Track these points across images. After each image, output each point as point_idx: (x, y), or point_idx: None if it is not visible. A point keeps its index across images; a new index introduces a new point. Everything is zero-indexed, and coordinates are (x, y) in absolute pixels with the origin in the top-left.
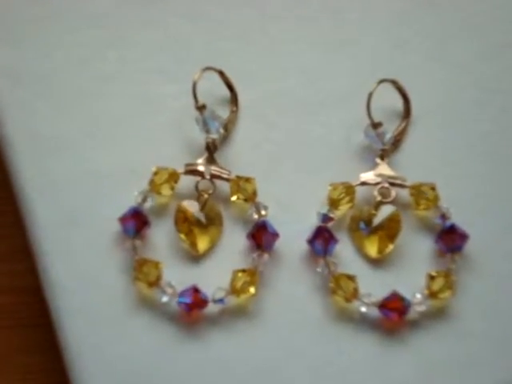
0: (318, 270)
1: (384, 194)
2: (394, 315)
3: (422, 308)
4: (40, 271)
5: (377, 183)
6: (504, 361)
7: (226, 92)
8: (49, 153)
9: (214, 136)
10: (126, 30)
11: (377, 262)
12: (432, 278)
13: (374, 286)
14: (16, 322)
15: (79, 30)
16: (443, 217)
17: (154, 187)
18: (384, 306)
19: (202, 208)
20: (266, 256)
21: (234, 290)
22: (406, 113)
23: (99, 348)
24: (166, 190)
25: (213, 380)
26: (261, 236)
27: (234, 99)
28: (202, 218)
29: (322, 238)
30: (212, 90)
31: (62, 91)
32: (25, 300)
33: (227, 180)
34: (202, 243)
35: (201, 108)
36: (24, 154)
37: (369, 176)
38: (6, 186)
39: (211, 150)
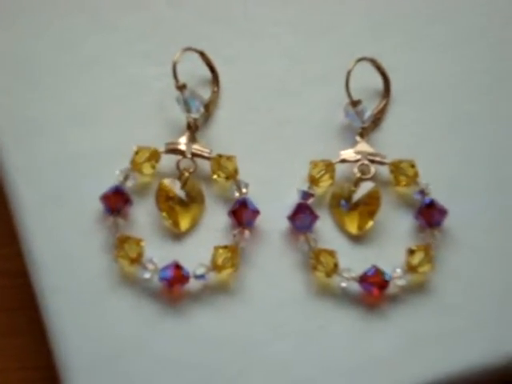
0: (299, 246)
1: (363, 170)
2: (374, 289)
3: (402, 282)
4: (25, 252)
5: (356, 160)
6: (483, 334)
7: (208, 73)
8: (32, 135)
9: (195, 115)
10: (108, 14)
11: (357, 239)
12: (412, 252)
13: (354, 263)
14: (4, 304)
15: (62, 14)
16: (422, 193)
17: (135, 166)
18: (364, 280)
19: (183, 186)
20: (246, 233)
21: (216, 266)
22: (386, 91)
23: (82, 326)
24: (147, 169)
25: (194, 355)
26: (242, 213)
27: (215, 80)
28: (184, 197)
29: (302, 215)
30: (194, 71)
31: (45, 74)
32: (12, 283)
33: (208, 158)
34: (184, 221)
35: (181, 87)
36: (8, 137)
37: (349, 153)
38: None
39: (192, 129)
